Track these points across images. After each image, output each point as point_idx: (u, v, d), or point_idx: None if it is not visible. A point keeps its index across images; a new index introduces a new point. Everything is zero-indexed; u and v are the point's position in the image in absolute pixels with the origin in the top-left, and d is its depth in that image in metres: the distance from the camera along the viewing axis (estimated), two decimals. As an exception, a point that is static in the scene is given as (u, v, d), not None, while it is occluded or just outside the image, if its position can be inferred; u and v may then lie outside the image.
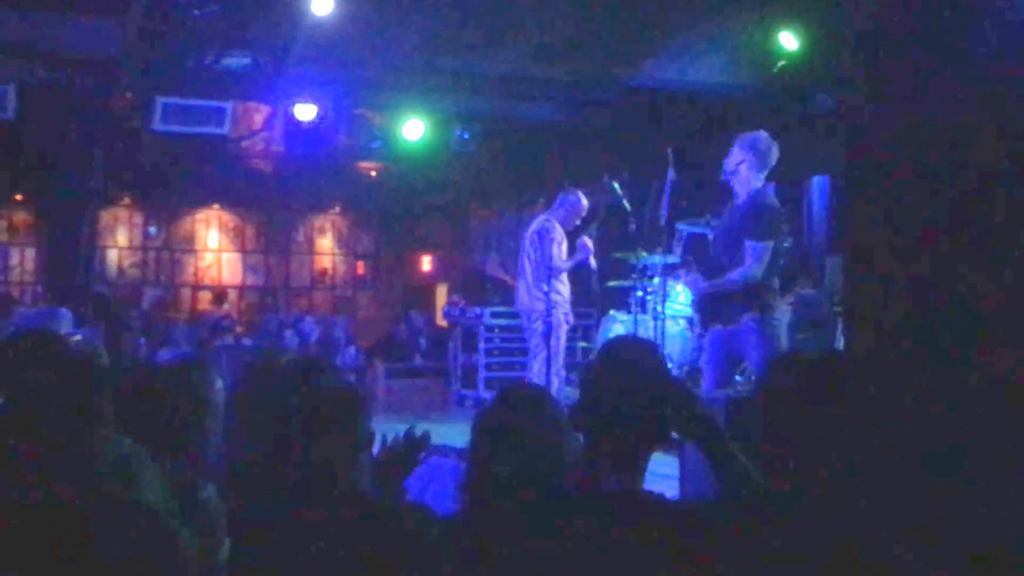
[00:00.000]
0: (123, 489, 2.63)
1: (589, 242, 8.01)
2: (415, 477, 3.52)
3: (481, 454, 2.42)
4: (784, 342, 5.61)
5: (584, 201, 8.19)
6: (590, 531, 2.26)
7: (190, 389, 3.14)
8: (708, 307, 5.84)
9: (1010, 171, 3.13)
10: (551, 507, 2.32)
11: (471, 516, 2.40)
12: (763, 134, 5.73)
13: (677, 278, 9.04)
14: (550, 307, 7.69)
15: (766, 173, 5.69)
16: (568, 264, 7.90)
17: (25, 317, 5.95)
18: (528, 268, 7.99)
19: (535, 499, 2.32)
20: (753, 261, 5.50)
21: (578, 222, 8.17)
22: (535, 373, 7.77)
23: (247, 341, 12.58)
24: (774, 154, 5.64)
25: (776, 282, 5.58)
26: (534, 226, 8.08)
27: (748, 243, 5.52)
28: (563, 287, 7.91)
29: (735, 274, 5.57)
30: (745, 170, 5.63)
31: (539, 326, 7.76)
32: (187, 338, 12.11)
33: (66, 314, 5.46)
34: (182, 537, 1.71)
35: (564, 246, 7.96)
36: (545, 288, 7.68)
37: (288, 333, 12.83)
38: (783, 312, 5.66)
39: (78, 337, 5.07)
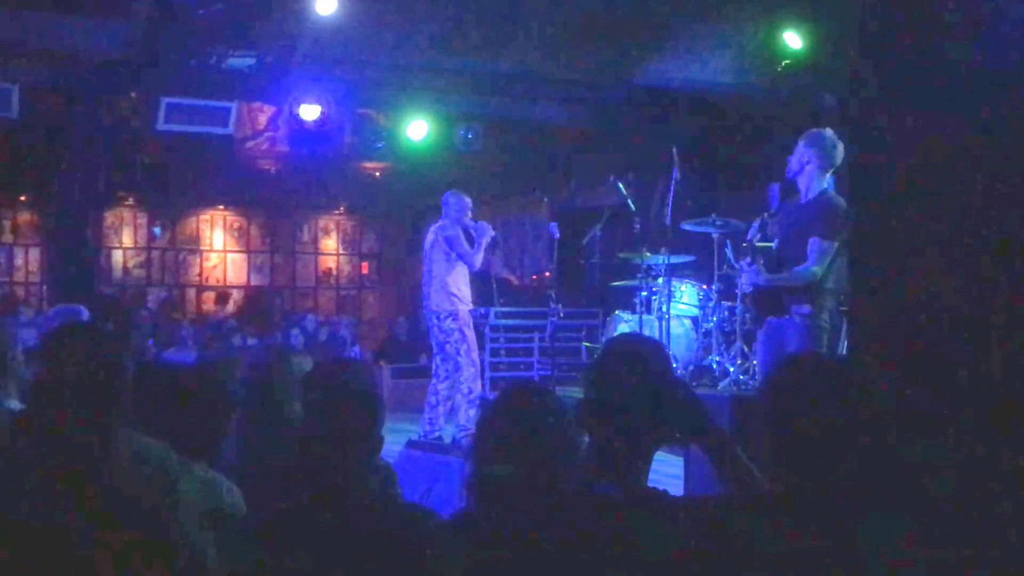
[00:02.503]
0: (149, 491, 2.63)
1: (487, 225, 8.49)
2: (422, 476, 3.52)
3: (485, 453, 2.40)
4: (825, 343, 5.61)
5: (467, 198, 8.47)
6: (593, 530, 2.25)
7: (212, 388, 3.13)
8: (762, 299, 5.86)
9: (1016, 171, 3.11)
10: (556, 506, 2.31)
11: (476, 515, 2.39)
12: (828, 132, 5.73)
13: (681, 279, 9.04)
14: (457, 304, 8.23)
15: (831, 171, 5.71)
16: (479, 251, 8.34)
17: (46, 316, 5.97)
18: (436, 271, 8.29)
19: (540, 498, 2.30)
20: (817, 259, 5.52)
21: (469, 215, 8.42)
22: (465, 367, 8.16)
23: (251, 341, 12.59)
24: (840, 152, 5.65)
25: (831, 282, 5.57)
26: (430, 236, 8.41)
27: (815, 241, 5.53)
28: (464, 286, 8.36)
29: (796, 271, 5.59)
30: (812, 169, 5.66)
31: (450, 323, 8.18)
32: (193, 338, 12.11)
33: (85, 312, 5.49)
34: (206, 539, 1.71)
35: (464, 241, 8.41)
36: (453, 288, 8.23)
37: (294, 332, 12.85)
38: (833, 313, 5.64)
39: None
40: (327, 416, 2.59)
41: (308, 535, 2.38)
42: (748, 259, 5.91)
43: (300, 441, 2.57)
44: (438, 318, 8.25)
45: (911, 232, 3.36)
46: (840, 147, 5.63)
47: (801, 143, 5.72)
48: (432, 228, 8.47)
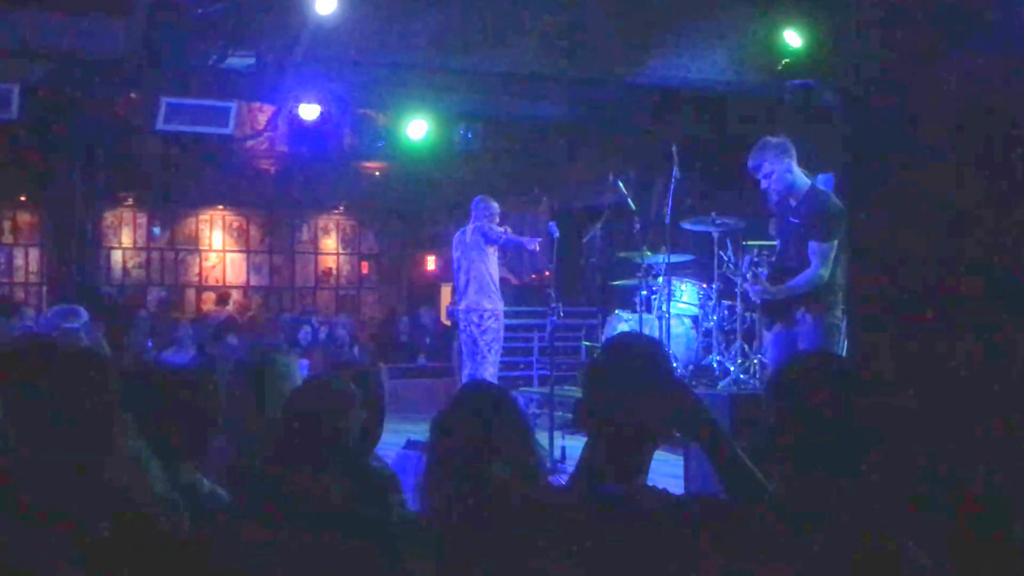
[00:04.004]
0: (135, 488, 2.63)
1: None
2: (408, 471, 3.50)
3: (438, 453, 2.44)
4: (840, 342, 5.60)
5: (494, 203, 8.65)
6: (591, 530, 2.25)
7: (199, 393, 3.12)
8: (770, 307, 5.85)
9: (1014, 166, 3.11)
10: (549, 506, 2.31)
11: (432, 514, 2.42)
12: (769, 138, 5.81)
13: (681, 278, 9.04)
14: (498, 304, 8.45)
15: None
16: (514, 237, 8.69)
17: (45, 317, 5.98)
18: (476, 271, 8.44)
19: (498, 497, 2.33)
20: (820, 262, 5.53)
21: (496, 219, 8.61)
22: (490, 363, 8.32)
23: (250, 342, 12.56)
24: (789, 142, 5.73)
25: (839, 280, 5.56)
26: (468, 235, 8.56)
27: (814, 244, 5.54)
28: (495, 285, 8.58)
29: (802, 278, 5.60)
30: (795, 172, 5.69)
31: (493, 322, 8.35)
32: (192, 339, 12.09)
33: (83, 313, 5.49)
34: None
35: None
36: (494, 287, 8.43)
37: (304, 330, 12.87)
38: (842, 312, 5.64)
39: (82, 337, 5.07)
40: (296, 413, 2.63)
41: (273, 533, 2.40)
42: (750, 280, 5.92)
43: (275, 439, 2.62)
44: (480, 317, 8.39)
45: (911, 227, 3.36)
46: (786, 139, 5.76)
47: (770, 162, 5.72)
48: (458, 233, 8.71)
